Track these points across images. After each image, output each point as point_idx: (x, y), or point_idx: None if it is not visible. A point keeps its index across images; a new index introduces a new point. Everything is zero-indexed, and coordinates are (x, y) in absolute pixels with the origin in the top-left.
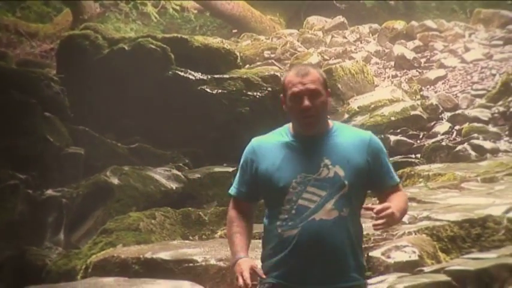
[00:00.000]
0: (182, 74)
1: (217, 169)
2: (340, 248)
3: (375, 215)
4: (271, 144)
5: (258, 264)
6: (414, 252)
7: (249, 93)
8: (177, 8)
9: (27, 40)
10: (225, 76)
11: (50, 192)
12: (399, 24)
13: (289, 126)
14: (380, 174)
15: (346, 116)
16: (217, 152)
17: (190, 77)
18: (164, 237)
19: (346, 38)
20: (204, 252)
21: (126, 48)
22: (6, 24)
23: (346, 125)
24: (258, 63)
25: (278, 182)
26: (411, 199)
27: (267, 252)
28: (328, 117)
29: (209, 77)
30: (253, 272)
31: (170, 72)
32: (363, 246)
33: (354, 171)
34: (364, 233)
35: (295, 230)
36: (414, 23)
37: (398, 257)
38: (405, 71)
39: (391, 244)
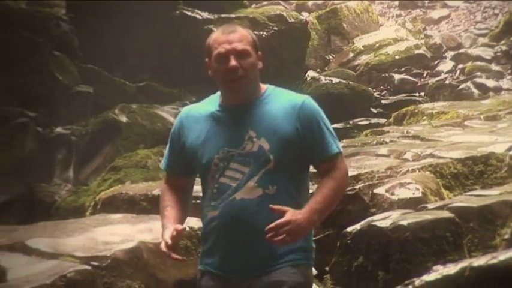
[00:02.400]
0: (189, 13)
1: None
2: (262, 228)
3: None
4: (198, 115)
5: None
6: (418, 189)
7: (255, 32)
8: None
9: None
10: (232, 16)
11: (59, 130)
12: None
13: (219, 94)
14: (312, 144)
15: (351, 55)
16: None
17: (198, 16)
18: None
19: None
20: None
21: None
22: None
23: (283, 89)
24: (264, 2)
25: (201, 159)
26: (415, 137)
27: (201, 237)
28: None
29: (216, 16)
30: (176, 233)
31: (178, 12)
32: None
33: (281, 144)
34: (369, 170)
35: (216, 211)
36: None
37: (402, 194)
38: (409, 10)
39: (395, 181)
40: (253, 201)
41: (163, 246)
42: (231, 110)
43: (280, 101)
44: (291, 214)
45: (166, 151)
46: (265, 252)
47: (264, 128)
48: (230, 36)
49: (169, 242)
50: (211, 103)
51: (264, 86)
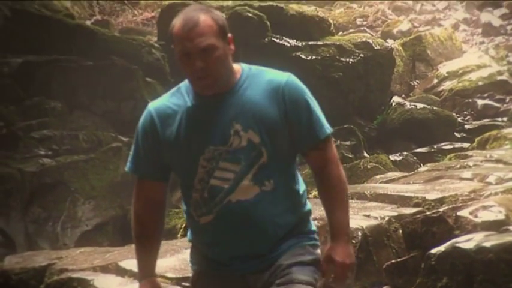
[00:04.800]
0: (278, 40)
1: None
2: (266, 229)
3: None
4: (171, 110)
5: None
6: (500, 212)
7: (342, 59)
8: None
9: (130, 8)
10: (319, 43)
11: None
12: None
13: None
14: (299, 130)
15: (436, 81)
16: None
17: (286, 43)
18: None
19: (435, 6)
20: None
21: (224, 16)
22: None
23: (260, 68)
24: (351, 30)
25: (184, 161)
26: (498, 161)
27: (190, 238)
28: (241, 65)
29: (303, 43)
30: None
31: (266, 39)
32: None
33: (271, 134)
34: (453, 193)
35: (210, 216)
36: None
37: (485, 216)
38: (492, 37)
39: (479, 204)
40: (251, 202)
41: None
42: (208, 102)
43: (260, 84)
44: (337, 255)
45: (132, 151)
46: (267, 247)
47: (250, 119)
48: (192, 33)
49: None
50: (182, 94)
51: (238, 68)
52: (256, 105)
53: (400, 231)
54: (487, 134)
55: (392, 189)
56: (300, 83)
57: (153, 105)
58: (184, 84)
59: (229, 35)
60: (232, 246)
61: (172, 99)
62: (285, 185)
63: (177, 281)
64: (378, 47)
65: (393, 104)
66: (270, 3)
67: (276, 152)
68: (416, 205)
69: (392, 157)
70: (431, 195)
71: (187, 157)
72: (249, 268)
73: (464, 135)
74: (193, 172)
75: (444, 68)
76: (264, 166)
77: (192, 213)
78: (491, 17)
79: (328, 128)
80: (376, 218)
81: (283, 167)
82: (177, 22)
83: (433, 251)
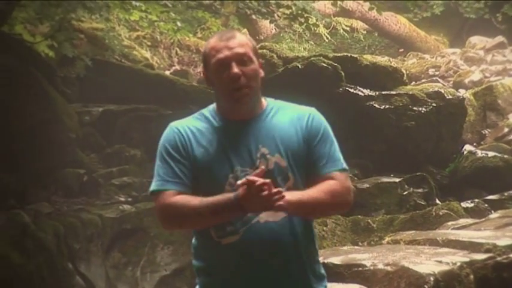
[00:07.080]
0: (352, 90)
1: (384, 179)
2: (294, 256)
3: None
4: (198, 129)
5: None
6: None
7: (415, 108)
8: (347, 28)
9: None
10: (392, 92)
11: None
12: None
13: (213, 107)
14: (319, 156)
15: (506, 129)
16: (384, 163)
17: (360, 93)
18: (335, 243)
19: (505, 56)
20: (372, 257)
21: (300, 66)
22: (187, 45)
23: (284, 102)
24: (423, 80)
25: (213, 178)
26: None
27: (202, 266)
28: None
29: (377, 93)
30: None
31: (341, 89)
32: None
33: (295, 159)
34: None
35: (236, 236)
36: None
37: None
38: None
39: None
40: (278, 224)
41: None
42: (235, 125)
43: (287, 114)
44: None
45: (159, 171)
46: (293, 276)
47: (276, 144)
48: (230, 42)
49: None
50: (206, 117)
51: (265, 100)
52: (282, 132)
53: (472, 276)
54: None
55: (464, 235)
56: (322, 117)
57: (178, 125)
58: (207, 109)
59: (261, 60)
60: (258, 267)
61: (197, 121)
62: None
63: None
64: (450, 97)
65: (465, 153)
66: (345, 53)
67: (299, 177)
68: (487, 251)
69: (463, 204)
70: (502, 242)
71: (215, 175)
72: None
73: None
74: (220, 191)
75: None
76: (289, 190)
77: (211, 236)
78: None
79: (345, 164)
80: (447, 263)
81: None
82: (213, 38)
83: None
